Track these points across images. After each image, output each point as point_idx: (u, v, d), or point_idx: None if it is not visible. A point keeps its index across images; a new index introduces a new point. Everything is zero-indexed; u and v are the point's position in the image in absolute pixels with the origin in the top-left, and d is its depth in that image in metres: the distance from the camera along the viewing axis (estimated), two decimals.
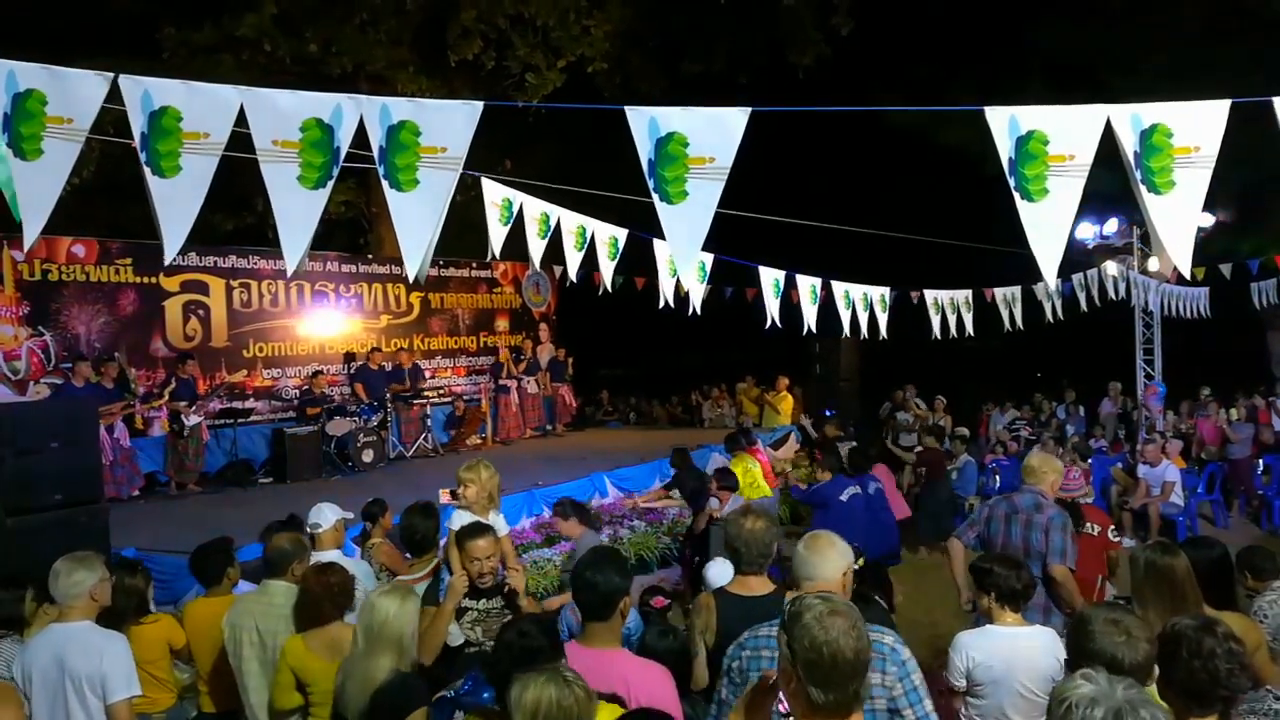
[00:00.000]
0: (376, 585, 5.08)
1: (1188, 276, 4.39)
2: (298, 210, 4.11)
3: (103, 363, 10.78)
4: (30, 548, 5.72)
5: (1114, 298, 14.34)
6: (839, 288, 10.30)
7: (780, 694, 2.28)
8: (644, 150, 4.13)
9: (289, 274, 4.64)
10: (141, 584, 4.86)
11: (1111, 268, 14.06)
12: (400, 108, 4.15)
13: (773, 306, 9.50)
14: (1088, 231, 14.08)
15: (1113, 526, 6.46)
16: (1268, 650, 3.85)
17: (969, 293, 12.49)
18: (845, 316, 10.44)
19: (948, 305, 12.18)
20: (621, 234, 7.97)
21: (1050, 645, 3.61)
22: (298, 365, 13.41)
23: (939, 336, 12.18)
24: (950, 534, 10.13)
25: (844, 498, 7.84)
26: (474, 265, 16.00)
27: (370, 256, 15.05)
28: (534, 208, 7.18)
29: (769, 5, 15.72)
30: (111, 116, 4.13)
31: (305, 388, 12.84)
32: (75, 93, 3.84)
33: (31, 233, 3.86)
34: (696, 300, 7.60)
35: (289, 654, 3.87)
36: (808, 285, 9.88)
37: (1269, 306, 15.86)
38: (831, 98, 7.26)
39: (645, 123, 4.12)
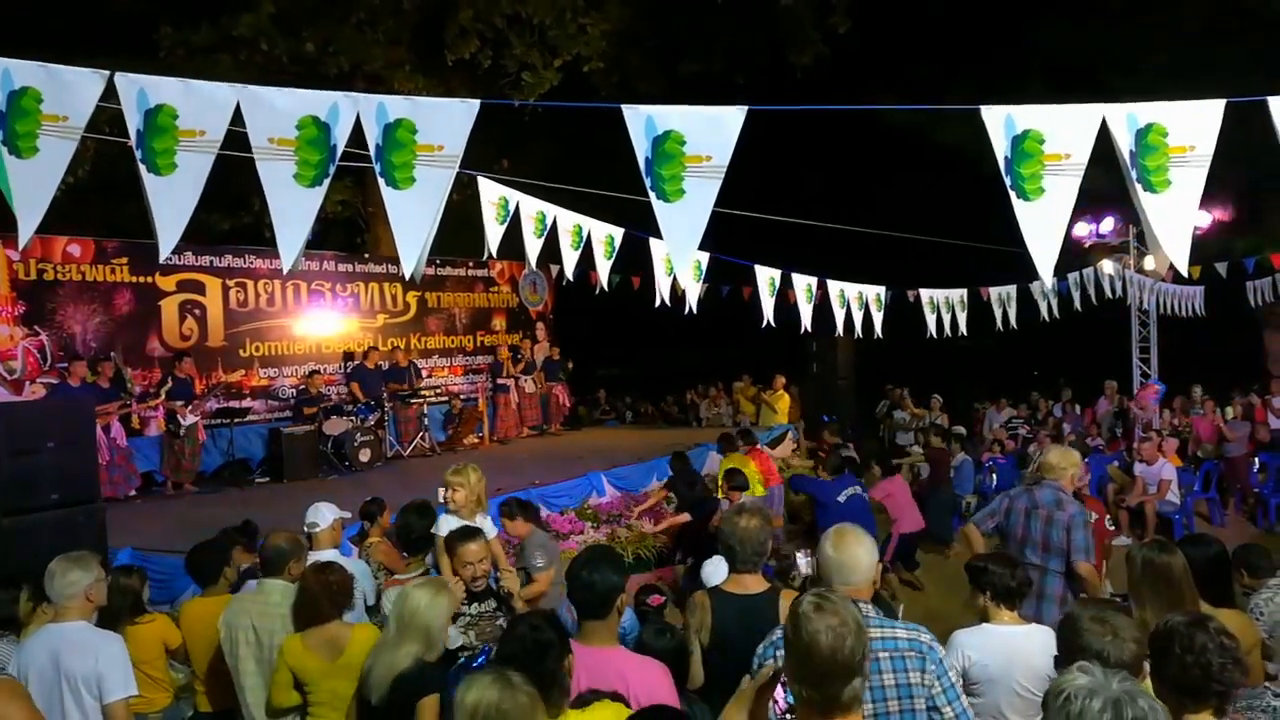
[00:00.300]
0: (375, 584, 5.10)
1: (1185, 275, 4.42)
2: (294, 208, 4.10)
3: (99, 362, 10.77)
4: (27, 548, 5.71)
5: (1110, 296, 14.36)
6: (835, 287, 10.31)
7: (777, 689, 2.29)
8: (641, 149, 4.13)
9: (285, 272, 4.63)
10: (137, 584, 4.87)
11: (1108, 266, 14.08)
12: (397, 106, 4.15)
13: (768, 306, 9.51)
14: (1084, 230, 14.10)
15: (1108, 516, 6.53)
16: (1263, 648, 3.86)
17: (964, 292, 12.51)
18: (840, 315, 10.45)
19: (943, 304, 12.19)
20: (618, 233, 7.98)
21: (1047, 644, 3.61)
22: (294, 365, 13.39)
23: (934, 335, 12.19)
24: (948, 536, 10.27)
25: (841, 498, 7.82)
26: (470, 264, 16.00)
27: (367, 255, 15.04)
28: (530, 206, 7.18)
29: (767, 5, 15.73)
30: (107, 115, 4.12)
31: (302, 387, 12.84)
32: (71, 90, 3.84)
33: (27, 231, 3.85)
34: (693, 299, 7.60)
35: (287, 653, 3.87)
36: (804, 284, 9.89)
37: (1265, 305, 15.88)
38: (829, 97, 7.29)
39: (642, 121, 4.12)
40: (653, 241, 8.14)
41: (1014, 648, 3.54)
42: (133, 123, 3.92)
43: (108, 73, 3.88)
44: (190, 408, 11.09)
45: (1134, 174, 3.92)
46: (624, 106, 4.15)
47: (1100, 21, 15.76)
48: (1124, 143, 3.93)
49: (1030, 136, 3.96)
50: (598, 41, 14.86)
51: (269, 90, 4.09)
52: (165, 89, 3.94)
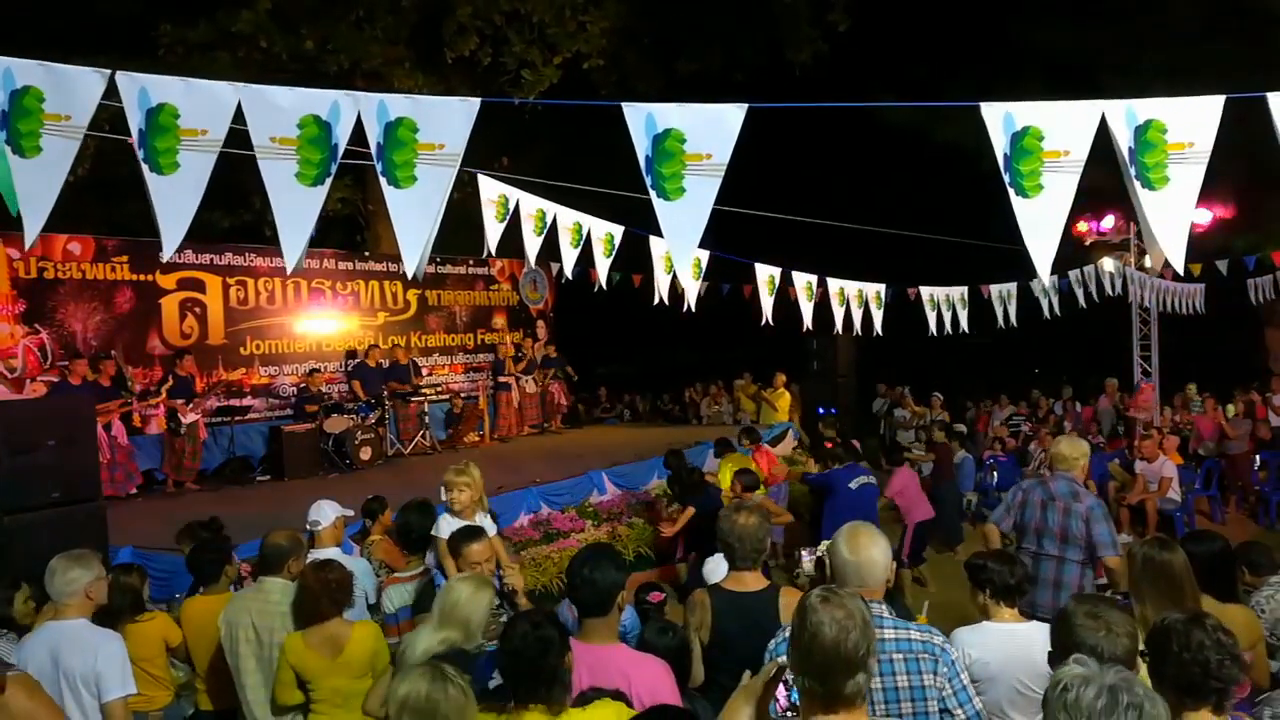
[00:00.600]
0: (376, 582, 5.10)
1: (1180, 272, 4.42)
2: (296, 207, 4.10)
3: (100, 360, 10.77)
4: (28, 546, 5.72)
5: (1111, 294, 14.36)
6: (835, 284, 10.31)
7: (780, 686, 2.30)
8: (641, 147, 4.13)
9: (289, 271, 4.63)
10: (137, 582, 4.87)
11: (1108, 264, 14.08)
12: (398, 104, 4.15)
13: (768, 304, 9.51)
14: (1084, 227, 14.11)
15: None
16: (1265, 646, 3.87)
17: (964, 289, 12.51)
18: (840, 313, 10.45)
19: (943, 302, 12.20)
20: (618, 231, 7.98)
21: (1048, 642, 3.61)
22: (295, 363, 13.40)
23: (935, 333, 12.20)
24: (956, 535, 10.27)
25: (853, 485, 7.66)
26: (471, 262, 16.00)
27: (367, 254, 15.04)
28: (530, 205, 7.19)
29: (766, 2, 15.73)
30: (108, 114, 4.12)
31: (303, 385, 12.84)
32: (73, 89, 3.84)
33: (32, 230, 3.86)
34: (693, 297, 7.60)
35: (289, 651, 3.88)
36: (804, 282, 9.90)
37: (1266, 302, 15.88)
38: (828, 95, 7.29)
39: (642, 119, 4.12)
40: (653, 239, 8.15)
41: (1015, 645, 3.54)
42: (134, 122, 3.92)
43: (109, 71, 3.88)
44: (191, 406, 11.10)
45: (1132, 171, 3.92)
46: (624, 104, 4.15)
47: (1098, 21, 15.77)
48: (1123, 139, 3.92)
49: (1029, 133, 3.96)
50: (597, 39, 14.86)
51: (270, 89, 4.09)
52: (167, 88, 3.94)
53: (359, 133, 4.15)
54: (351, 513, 5.55)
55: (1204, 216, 13.68)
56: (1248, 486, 12.33)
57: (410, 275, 4.33)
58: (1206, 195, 3.92)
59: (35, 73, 3.79)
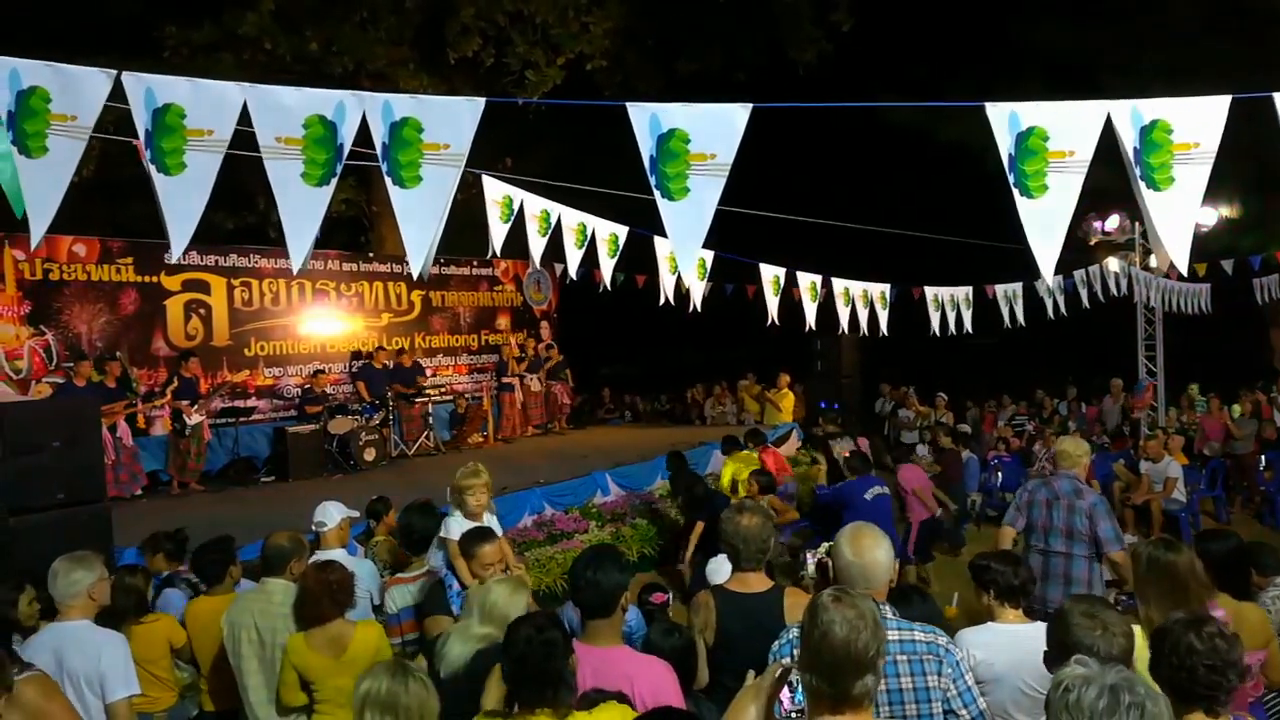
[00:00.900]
0: (381, 583, 5.10)
1: (1185, 273, 4.40)
2: (302, 207, 4.11)
3: (105, 362, 10.80)
4: (32, 547, 5.73)
5: (1116, 294, 14.34)
6: (839, 285, 10.30)
7: (785, 688, 2.29)
8: (645, 147, 4.13)
9: (295, 271, 4.65)
10: (141, 583, 4.87)
11: (1113, 264, 14.06)
12: (403, 104, 4.16)
13: (773, 304, 9.51)
14: (1089, 227, 14.09)
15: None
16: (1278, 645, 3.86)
17: (969, 289, 12.50)
18: (845, 314, 10.44)
19: (948, 302, 12.18)
20: (622, 231, 7.98)
21: None
22: (299, 364, 13.42)
23: (939, 333, 12.18)
24: (960, 538, 10.24)
25: (869, 496, 7.62)
26: (475, 263, 16.01)
27: (371, 255, 15.06)
28: (534, 205, 7.18)
29: (768, 2, 15.72)
30: (113, 115, 4.13)
31: (307, 386, 12.86)
32: (79, 90, 3.85)
33: (38, 231, 3.86)
34: (697, 297, 7.61)
35: (291, 652, 3.88)
36: (808, 282, 9.89)
37: (1271, 302, 15.84)
38: (831, 95, 7.29)
39: (647, 119, 4.12)
40: (657, 240, 8.14)
41: (1020, 646, 3.53)
42: (141, 122, 3.93)
43: (115, 72, 3.89)
44: (196, 407, 11.11)
45: (1137, 171, 3.91)
46: (629, 105, 4.15)
47: (1099, 20, 15.75)
48: (1128, 139, 3.92)
49: (1034, 134, 3.95)
50: (600, 40, 14.87)
51: (276, 89, 4.10)
52: (173, 88, 3.95)
53: (364, 133, 4.16)
54: (357, 514, 5.55)
55: (1208, 216, 13.65)
56: (1253, 487, 12.29)
57: (416, 275, 4.33)
58: (1210, 195, 3.90)
59: (42, 73, 3.80)
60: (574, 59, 15.02)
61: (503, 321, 16.62)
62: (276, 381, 13.18)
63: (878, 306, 10.87)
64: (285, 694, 3.93)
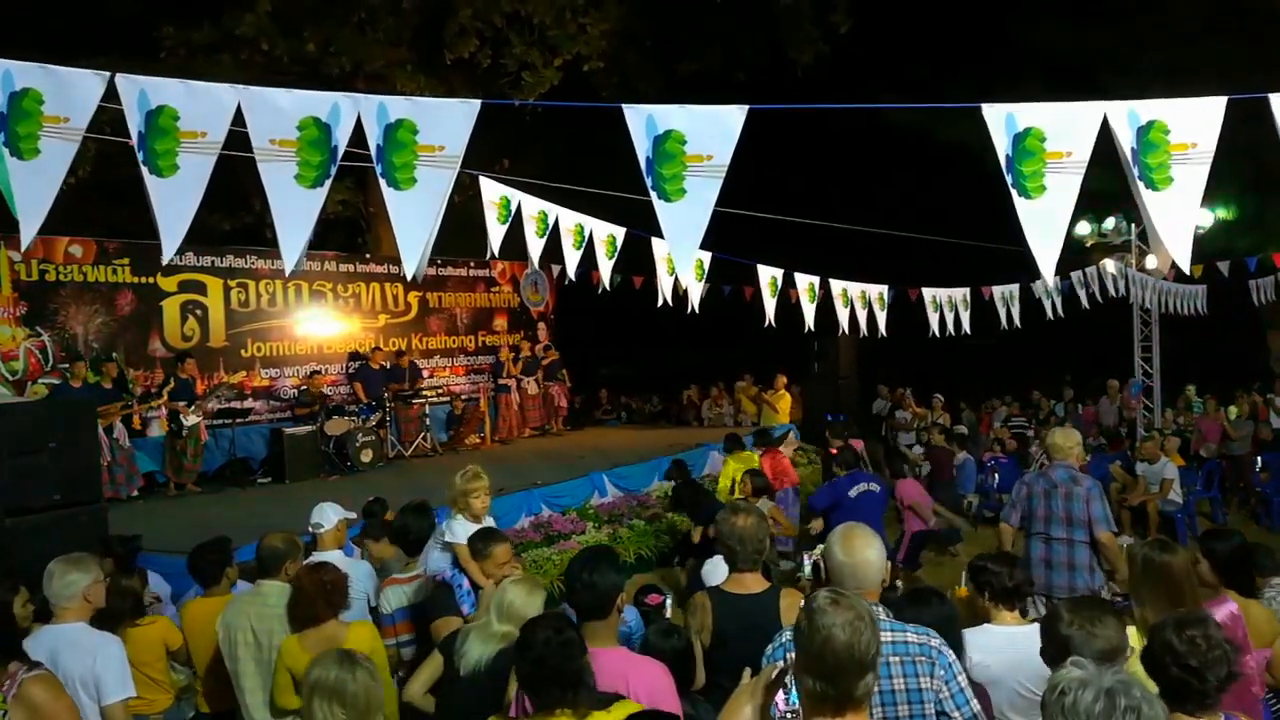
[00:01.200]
0: (377, 584, 5.09)
1: (1187, 273, 4.40)
2: (296, 209, 4.10)
3: (101, 363, 10.78)
4: (29, 548, 5.72)
5: (1114, 295, 14.35)
6: (837, 286, 10.29)
7: (779, 690, 2.29)
8: (642, 148, 4.13)
9: (288, 273, 4.63)
10: (137, 585, 4.87)
11: (1110, 265, 14.06)
12: (397, 106, 4.15)
13: (770, 305, 9.50)
14: (1086, 229, 14.10)
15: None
16: None
17: (966, 291, 12.50)
18: (843, 315, 10.43)
19: (945, 303, 12.19)
20: (620, 232, 7.97)
21: None
22: (296, 365, 13.41)
23: (937, 334, 12.19)
24: (953, 537, 10.24)
25: (852, 494, 7.57)
26: (472, 264, 16.00)
27: (368, 256, 15.04)
28: (532, 206, 7.17)
29: (766, 3, 15.73)
30: (108, 116, 4.12)
31: (303, 387, 12.84)
32: (72, 92, 3.84)
33: (29, 232, 3.85)
34: (695, 299, 7.60)
35: (285, 654, 3.87)
36: (806, 283, 9.88)
37: (1267, 304, 15.86)
38: (830, 96, 7.29)
39: (643, 121, 4.11)
40: (655, 241, 8.13)
41: (1016, 648, 3.52)
42: (134, 124, 3.92)
43: (108, 74, 3.88)
44: (192, 408, 11.09)
45: (1135, 172, 3.91)
46: (625, 106, 4.15)
47: (1098, 21, 15.76)
48: (1125, 140, 3.92)
49: (1032, 134, 3.95)
50: (597, 41, 14.87)
51: (270, 91, 4.09)
52: (166, 90, 3.94)
53: (360, 135, 4.15)
54: (354, 515, 5.53)
55: (1205, 217, 13.66)
56: (1249, 488, 12.31)
57: (409, 277, 4.33)
58: (1207, 196, 3.90)
59: (34, 75, 3.79)
60: (571, 60, 15.02)
61: (500, 323, 16.61)
62: (273, 383, 13.17)
63: (875, 307, 10.87)
64: (279, 696, 3.92)
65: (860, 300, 10.62)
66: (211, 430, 11.77)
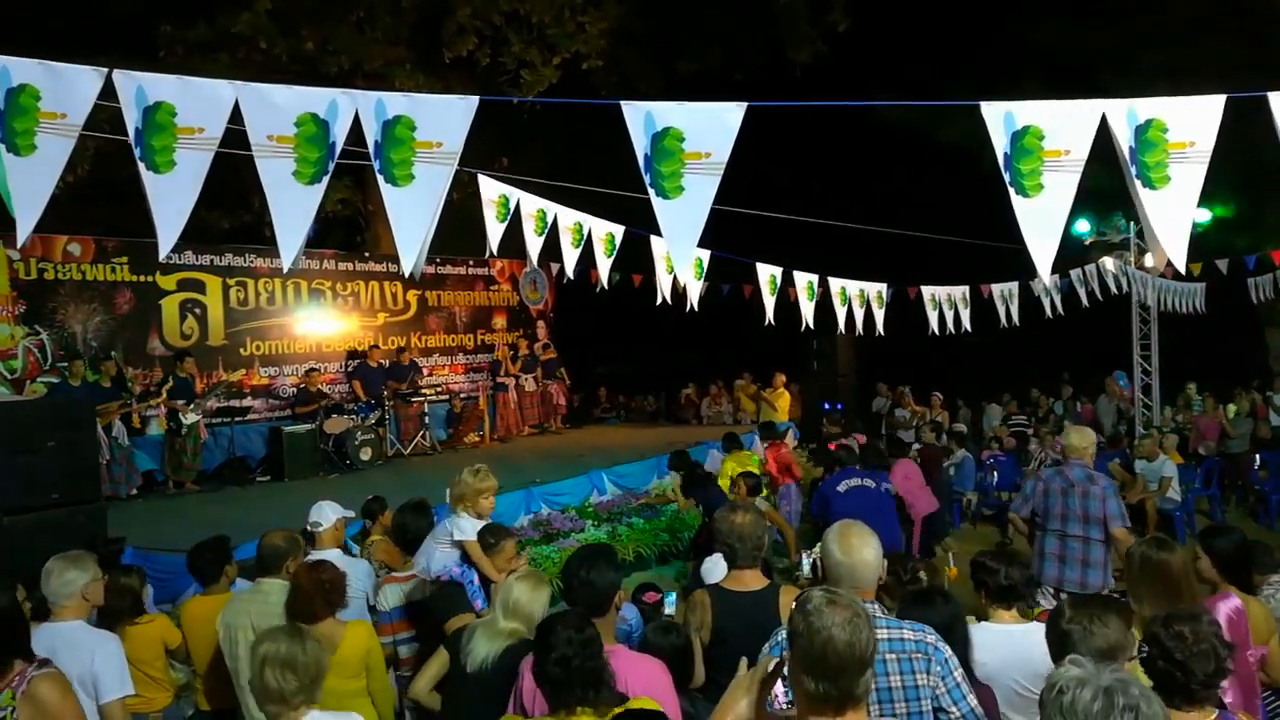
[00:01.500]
0: (376, 583, 5.09)
1: (1182, 271, 4.41)
2: (294, 206, 4.10)
3: (101, 361, 10.77)
4: (28, 547, 5.71)
5: (1114, 293, 14.34)
6: (836, 284, 10.29)
7: (778, 683, 2.29)
8: (640, 146, 4.13)
9: (285, 269, 4.63)
10: (136, 583, 4.85)
11: (1109, 263, 14.06)
12: (395, 103, 4.15)
13: (769, 303, 9.50)
14: (1085, 226, 14.09)
15: None
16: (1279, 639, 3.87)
17: (965, 289, 12.50)
18: (842, 313, 10.43)
19: (945, 301, 12.19)
20: (618, 230, 7.97)
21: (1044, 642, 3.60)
22: (295, 363, 13.40)
23: (936, 332, 12.19)
24: (945, 532, 10.23)
25: (841, 489, 7.50)
26: (471, 263, 16.00)
27: (367, 254, 15.04)
28: (531, 204, 7.18)
29: (765, 2, 15.72)
30: (106, 113, 4.11)
31: (302, 386, 12.84)
32: (69, 88, 3.83)
33: (25, 229, 3.84)
34: (694, 297, 7.59)
35: None
36: (804, 282, 9.88)
37: (1266, 301, 15.86)
38: (829, 95, 7.27)
39: (641, 118, 4.11)
40: (653, 239, 8.13)
41: (1012, 646, 3.53)
42: (131, 120, 3.92)
43: (106, 70, 3.87)
44: (191, 406, 11.09)
45: (1133, 170, 3.91)
46: (623, 103, 4.14)
47: (1098, 20, 15.75)
48: (1123, 139, 3.92)
49: (1030, 133, 3.95)
50: (596, 39, 14.86)
51: (267, 87, 4.09)
52: (163, 86, 3.94)
53: (358, 132, 4.15)
54: (352, 514, 5.52)
55: (1203, 215, 13.66)
56: (1248, 486, 12.31)
57: (407, 274, 4.33)
58: (1205, 193, 3.90)
59: (32, 71, 3.78)
60: (570, 58, 15.01)
61: (499, 321, 16.61)
62: (272, 381, 13.16)
63: (874, 306, 10.86)
64: None
65: (859, 299, 10.62)
66: (210, 429, 11.78)
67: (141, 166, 3.92)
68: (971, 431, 15.26)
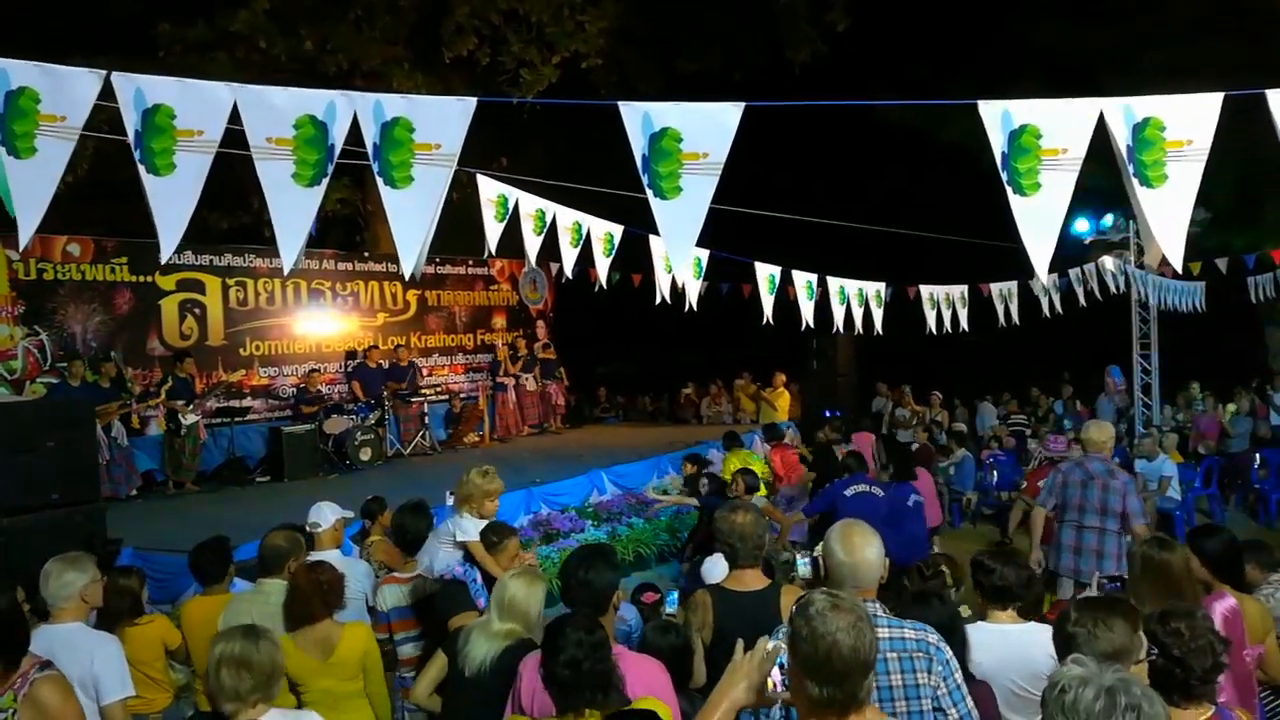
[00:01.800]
0: (375, 583, 5.09)
1: (1179, 270, 4.42)
2: (293, 208, 4.11)
3: (100, 362, 10.77)
4: (26, 547, 5.72)
5: (1113, 292, 14.34)
6: (835, 283, 10.29)
7: (774, 671, 2.30)
8: (638, 146, 4.13)
9: (285, 271, 4.63)
10: (135, 584, 4.86)
11: (1109, 262, 14.05)
12: (394, 104, 4.15)
13: (768, 303, 9.50)
14: (1084, 225, 14.09)
15: None
16: (1276, 639, 3.87)
17: (964, 288, 12.50)
18: (840, 312, 10.44)
19: (943, 300, 12.19)
20: (617, 230, 7.97)
21: (1045, 643, 3.60)
22: (295, 364, 13.40)
23: (934, 332, 12.19)
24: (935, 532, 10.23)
25: (849, 493, 7.39)
26: (471, 262, 16.00)
27: (367, 254, 15.04)
28: (530, 204, 7.18)
29: (765, 2, 15.72)
30: (106, 114, 4.12)
31: (302, 386, 12.84)
32: (68, 90, 3.83)
33: (26, 231, 3.85)
34: (693, 296, 7.59)
35: None
36: (803, 281, 9.88)
37: (1266, 300, 15.85)
38: (827, 95, 7.26)
39: (639, 118, 4.12)
40: (652, 239, 8.13)
41: (1008, 647, 3.52)
42: (130, 123, 3.92)
43: (104, 72, 3.87)
44: (191, 407, 11.09)
45: (1131, 169, 3.92)
46: (621, 104, 4.15)
47: (1098, 20, 15.74)
48: (1121, 137, 3.92)
49: (1027, 131, 3.95)
50: (595, 39, 14.86)
51: (266, 89, 4.09)
52: (162, 89, 3.94)
53: (358, 132, 4.15)
54: (351, 514, 5.53)
55: (1200, 214, 13.65)
56: (1247, 485, 12.31)
57: (407, 275, 4.34)
58: (1203, 192, 3.90)
59: (31, 73, 3.78)
60: (569, 58, 15.00)
61: (499, 321, 16.61)
62: (272, 381, 13.16)
63: (873, 305, 10.86)
64: None
65: (858, 298, 10.62)
66: (210, 429, 11.78)
67: (141, 169, 3.92)
68: (970, 430, 15.26)
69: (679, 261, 4.32)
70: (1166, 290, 14.35)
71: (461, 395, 15.22)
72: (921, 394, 16.23)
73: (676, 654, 3.79)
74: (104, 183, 11.76)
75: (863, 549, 3.01)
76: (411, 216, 4.17)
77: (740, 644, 2.44)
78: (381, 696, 4.09)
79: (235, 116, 4.02)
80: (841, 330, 11.19)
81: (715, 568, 4.81)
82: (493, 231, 6.88)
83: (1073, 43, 16.25)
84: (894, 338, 11.66)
